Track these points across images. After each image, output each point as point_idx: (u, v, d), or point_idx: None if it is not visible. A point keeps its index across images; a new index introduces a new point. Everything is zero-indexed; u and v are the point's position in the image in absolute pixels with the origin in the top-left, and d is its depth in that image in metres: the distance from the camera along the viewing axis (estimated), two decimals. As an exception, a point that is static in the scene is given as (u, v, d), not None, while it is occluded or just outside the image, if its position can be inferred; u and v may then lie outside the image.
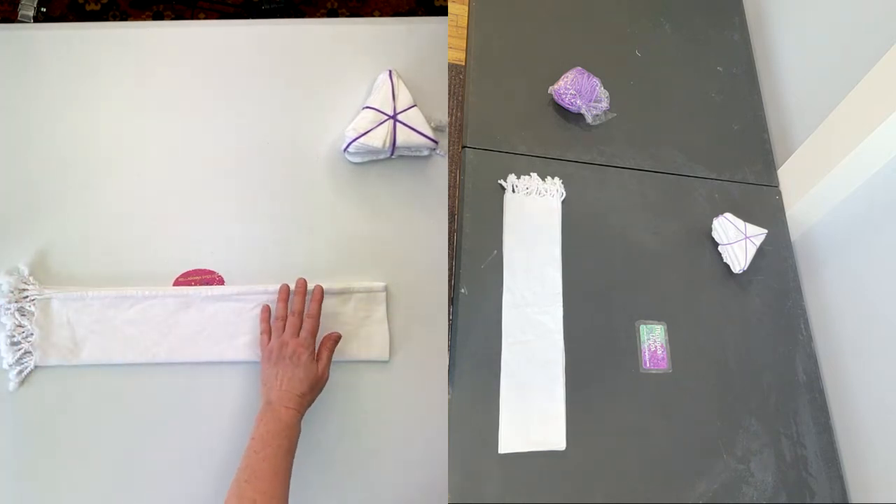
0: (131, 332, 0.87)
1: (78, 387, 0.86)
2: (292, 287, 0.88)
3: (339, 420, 0.88)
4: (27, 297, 0.87)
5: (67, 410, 0.85)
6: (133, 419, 0.86)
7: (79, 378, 0.86)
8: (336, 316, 0.91)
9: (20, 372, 0.85)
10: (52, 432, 0.84)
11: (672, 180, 1.30)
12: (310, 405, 0.82)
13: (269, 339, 0.85)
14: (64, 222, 0.90)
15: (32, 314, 0.86)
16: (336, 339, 0.88)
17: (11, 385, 0.84)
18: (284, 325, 0.86)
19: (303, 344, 0.83)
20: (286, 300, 0.88)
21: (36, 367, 0.85)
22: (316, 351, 0.85)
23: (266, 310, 0.88)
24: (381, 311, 0.91)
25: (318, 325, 0.86)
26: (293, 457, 0.76)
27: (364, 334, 0.91)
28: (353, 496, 0.87)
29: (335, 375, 0.88)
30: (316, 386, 0.83)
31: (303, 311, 0.87)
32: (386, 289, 0.92)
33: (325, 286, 0.91)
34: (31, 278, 0.87)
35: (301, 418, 0.79)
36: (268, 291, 0.90)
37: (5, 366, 0.85)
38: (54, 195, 0.91)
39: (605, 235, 1.21)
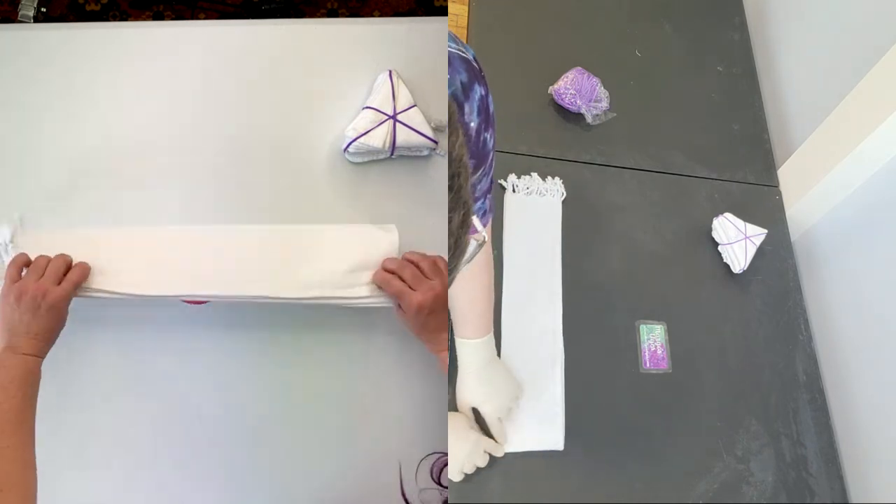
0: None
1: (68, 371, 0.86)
2: None
3: (338, 418, 0.88)
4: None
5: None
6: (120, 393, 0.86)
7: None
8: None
9: None
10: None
11: (672, 180, 1.30)
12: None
13: (18, 274, 0.78)
14: (63, 223, 0.90)
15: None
16: (84, 269, 0.79)
17: None
18: (46, 267, 0.78)
19: (66, 295, 0.76)
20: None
21: None
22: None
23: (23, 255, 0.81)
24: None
25: (83, 279, 0.78)
26: (36, 402, 0.73)
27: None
28: (352, 495, 0.87)
29: (336, 364, 0.88)
30: (60, 328, 0.77)
31: (69, 261, 0.80)
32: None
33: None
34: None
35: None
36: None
37: None
38: (53, 195, 0.91)
39: (605, 235, 1.21)
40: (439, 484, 0.73)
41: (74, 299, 0.79)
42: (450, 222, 0.48)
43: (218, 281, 0.83)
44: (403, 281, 0.80)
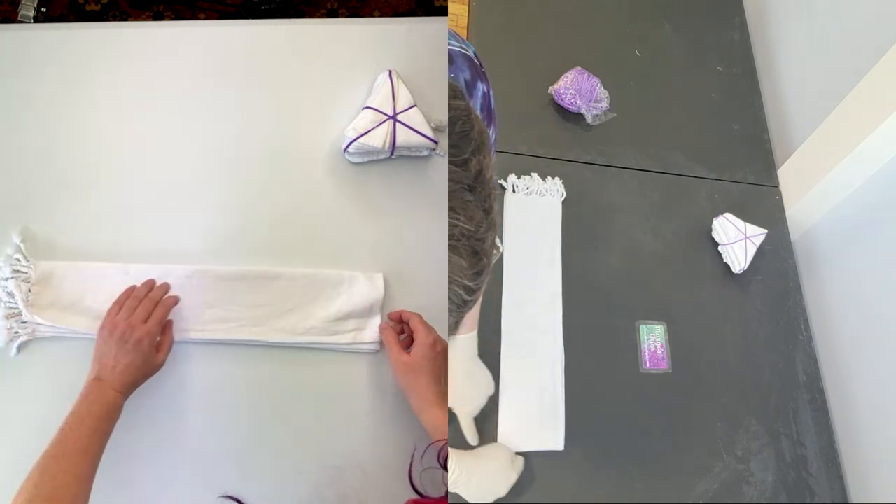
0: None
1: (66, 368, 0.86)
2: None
3: (337, 417, 0.88)
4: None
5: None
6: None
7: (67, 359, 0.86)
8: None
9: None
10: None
11: (672, 180, 1.30)
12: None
13: (118, 311, 0.83)
14: (62, 224, 0.90)
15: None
16: (167, 304, 0.85)
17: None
18: (137, 306, 0.83)
19: (150, 332, 0.81)
20: (150, 287, 0.87)
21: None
22: (159, 338, 0.84)
23: (131, 289, 0.86)
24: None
25: (166, 316, 0.85)
26: (108, 439, 0.76)
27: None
28: (349, 494, 0.87)
29: (335, 369, 0.89)
30: (150, 374, 0.82)
31: (159, 301, 0.85)
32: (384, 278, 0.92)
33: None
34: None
35: (125, 401, 0.79)
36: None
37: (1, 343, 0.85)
38: (52, 196, 0.91)
39: (605, 235, 1.21)
40: (444, 468, 0.76)
41: None
42: (483, 243, 0.50)
43: (209, 328, 0.88)
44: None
